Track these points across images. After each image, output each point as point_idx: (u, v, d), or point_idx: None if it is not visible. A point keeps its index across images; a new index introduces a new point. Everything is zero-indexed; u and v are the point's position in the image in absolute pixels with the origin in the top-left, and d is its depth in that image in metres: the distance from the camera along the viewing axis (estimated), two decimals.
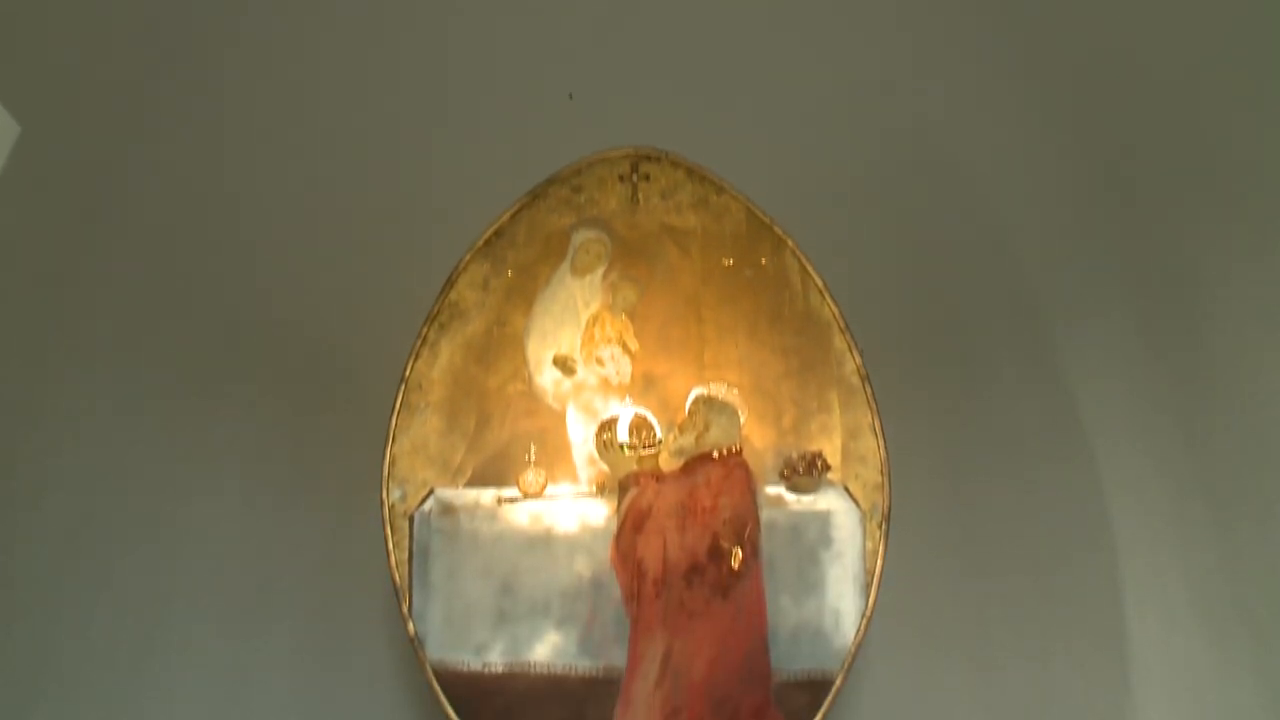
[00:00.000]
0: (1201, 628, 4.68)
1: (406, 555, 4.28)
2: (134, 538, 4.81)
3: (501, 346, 4.47)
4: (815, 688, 4.21)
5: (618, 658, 4.21)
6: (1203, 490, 4.42)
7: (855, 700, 5.53)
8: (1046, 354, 5.00)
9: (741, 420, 4.37)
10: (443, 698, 4.16)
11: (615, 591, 4.25)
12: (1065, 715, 5.19)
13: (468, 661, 4.20)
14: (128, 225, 4.63)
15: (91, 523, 4.63)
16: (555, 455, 4.39)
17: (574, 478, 4.36)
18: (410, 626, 4.20)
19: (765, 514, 4.31)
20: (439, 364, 4.42)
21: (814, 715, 4.19)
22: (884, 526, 4.33)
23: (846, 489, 4.35)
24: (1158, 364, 4.53)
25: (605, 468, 4.35)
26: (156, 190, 4.69)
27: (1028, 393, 5.12)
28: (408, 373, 4.40)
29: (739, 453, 4.35)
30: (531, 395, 4.45)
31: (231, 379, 5.22)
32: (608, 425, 4.38)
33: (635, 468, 4.33)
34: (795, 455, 4.36)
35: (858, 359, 4.44)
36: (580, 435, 4.40)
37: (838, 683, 4.22)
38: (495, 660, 4.20)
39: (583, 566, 4.26)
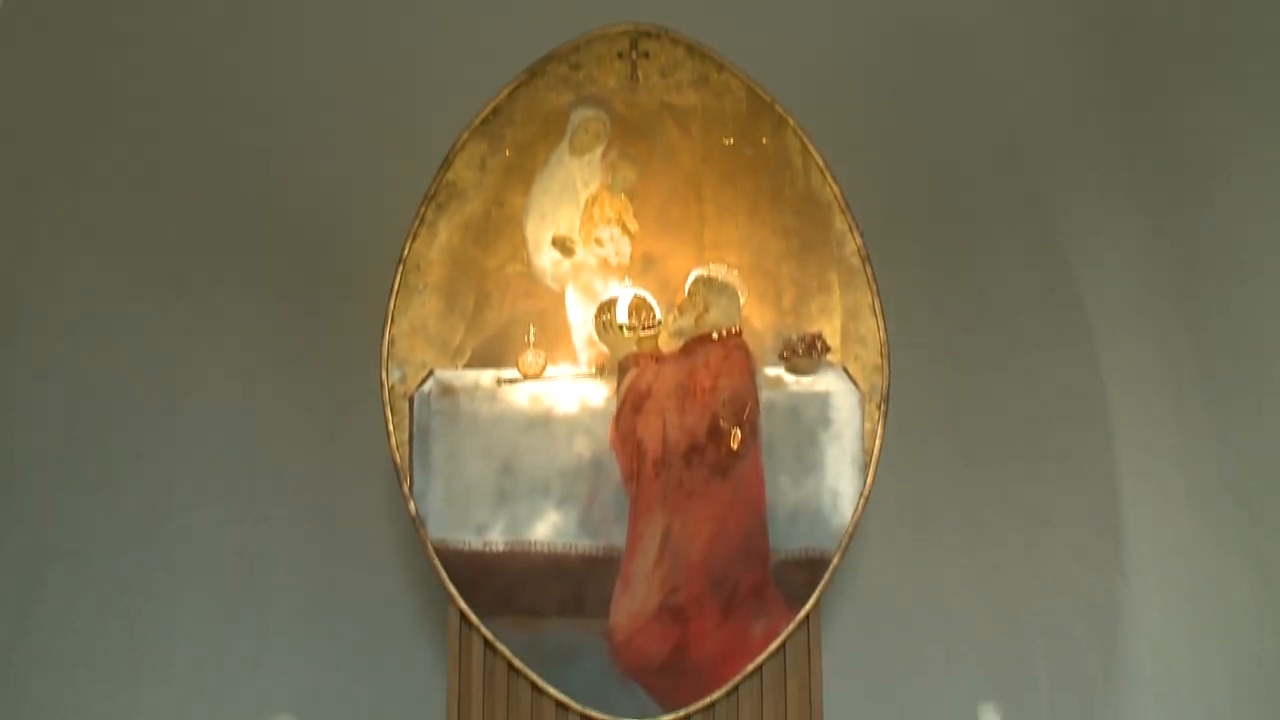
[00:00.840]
0: (1197, 511, 4.72)
1: (407, 436, 4.29)
2: (133, 426, 4.82)
3: (500, 227, 4.42)
4: (813, 566, 4.27)
5: (617, 537, 4.26)
6: (1202, 373, 4.42)
7: (852, 579, 5.62)
8: (1048, 235, 4.95)
9: (741, 301, 4.35)
10: (444, 576, 4.21)
11: (615, 472, 4.28)
12: (1058, 598, 5.27)
13: (469, 541, 4.25)
14: (125, 103, 4.55)
15: (90, 411, 4.64)
16: (554, 337, 4.37)
17: (573, 359, 4.36)
18: (411, 506, 4.24)
19: (764, 395, 4.31)
20: (437, 244, 4.38)
21: (811, 593, 4.25)
22: (883, 407, 4.34)
23: (846, 370, 4.35)
24: (1159, 245, 4.49)
25: (604, 349, 4.34)
26: (154, 67, 4.60)
27: (1028, 274, 5.09)
28: (405, 253, 4.36)
29: (738, 334, 4.34)
30: (530, 276, 4.42)
31: (227, 263, 5.18)
32: (607, 306, 4.36)
33: (634, 349, 4.32)
34: (795, 336, 4.35)
35: (858, 240, 4.40)
36: (579, 316, 4.38)
37: (835, 561, 4.27)
38: (496, 539, 4.25)
39: (582, 447, 4.28)
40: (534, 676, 4.16)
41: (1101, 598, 5.10)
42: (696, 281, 4.37)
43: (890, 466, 4.51)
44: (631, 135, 4.48)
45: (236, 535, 5.31)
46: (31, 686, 4.59)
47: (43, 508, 4.58)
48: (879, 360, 4.36)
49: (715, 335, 4.33)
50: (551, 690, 4.15)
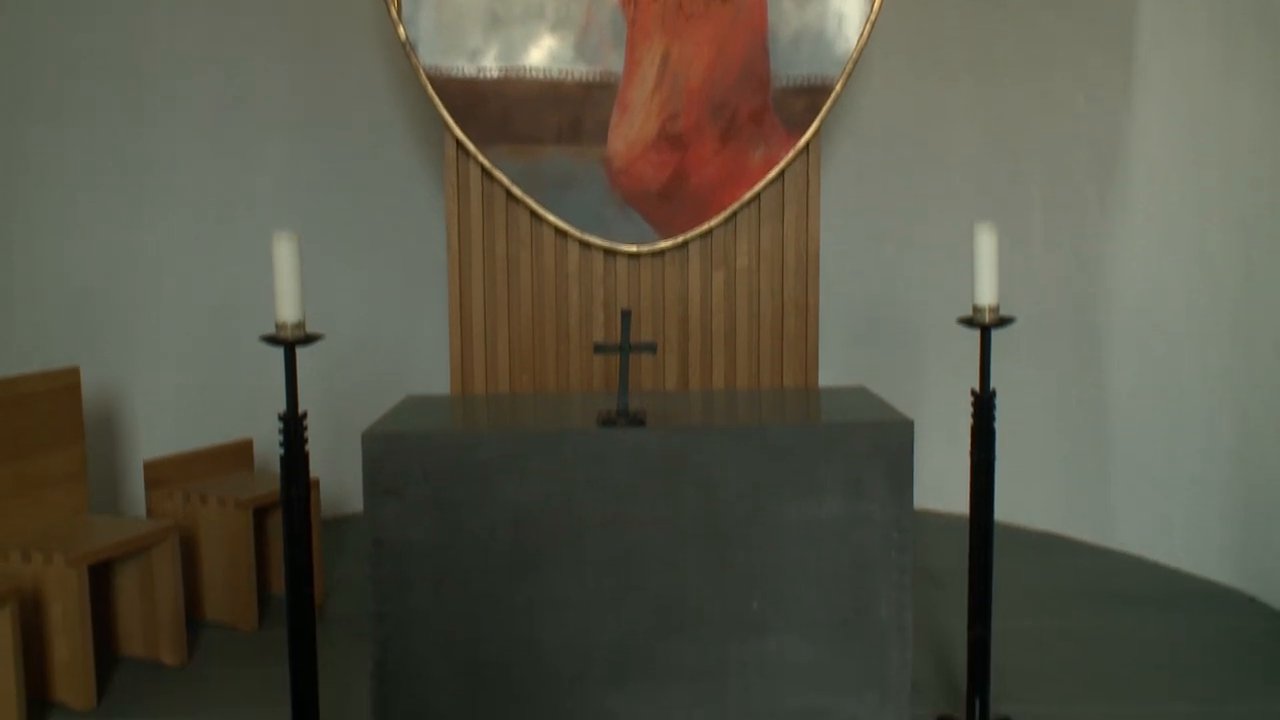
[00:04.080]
0: (1217, 39, 4.57)
1: None
2: None
3: None
4: (814, 93, 4.17)
5: (614, 62, 4.13)
6: None
7: (853, 108, 5.54)
8: None
9: None
10: (438, 103, 4.12)
11: None
12: (1061, 127, 5.23)
13: (462, 68, 4.12)
14: None
15: None
16: None
17: None
18: (401, 31, 4.07)
19: None
20: None
21: (812, 120, 4.18)
22: None
23: None
24: None
25: None
26: None
27: None
28: None
29: None
30: None
31: None
32: None
33: None
34: None
35: None
36: None
37: (837, 89, 4.17)
38: (490, 66, 4.12)
39: None
40: (532, 203, 4.19)
41: (1104, 128, 5.06)
42: None
43: None
44: None
45: (221, 70, 5.18)
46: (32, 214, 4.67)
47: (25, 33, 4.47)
48: None
49: None
50: (550, 217, 4.20)
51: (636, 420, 2.91)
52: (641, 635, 2.84)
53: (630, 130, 4.17)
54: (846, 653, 2.87)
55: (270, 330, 2.86)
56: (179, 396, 5.15)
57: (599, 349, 3.15)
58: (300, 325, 2.86)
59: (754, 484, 2.83)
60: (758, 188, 4.22)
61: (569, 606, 2.83)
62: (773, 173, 4.22)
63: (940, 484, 5.35)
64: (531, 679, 2.84)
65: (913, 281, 5.66)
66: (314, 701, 2.93)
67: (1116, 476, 5.14)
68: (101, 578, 3.96)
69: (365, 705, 2.88)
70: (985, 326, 3.11)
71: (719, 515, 2.83)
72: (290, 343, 2.85)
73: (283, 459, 2.87)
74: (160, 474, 4.33)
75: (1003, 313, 3.10)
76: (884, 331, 5.74)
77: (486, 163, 4.16)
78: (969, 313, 3.12)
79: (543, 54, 4.12)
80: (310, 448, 2.93)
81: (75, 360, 4.28)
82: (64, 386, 4.01)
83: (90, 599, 3.61)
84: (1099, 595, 4.60)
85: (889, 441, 2.86)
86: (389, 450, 2.84)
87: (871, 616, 2.86)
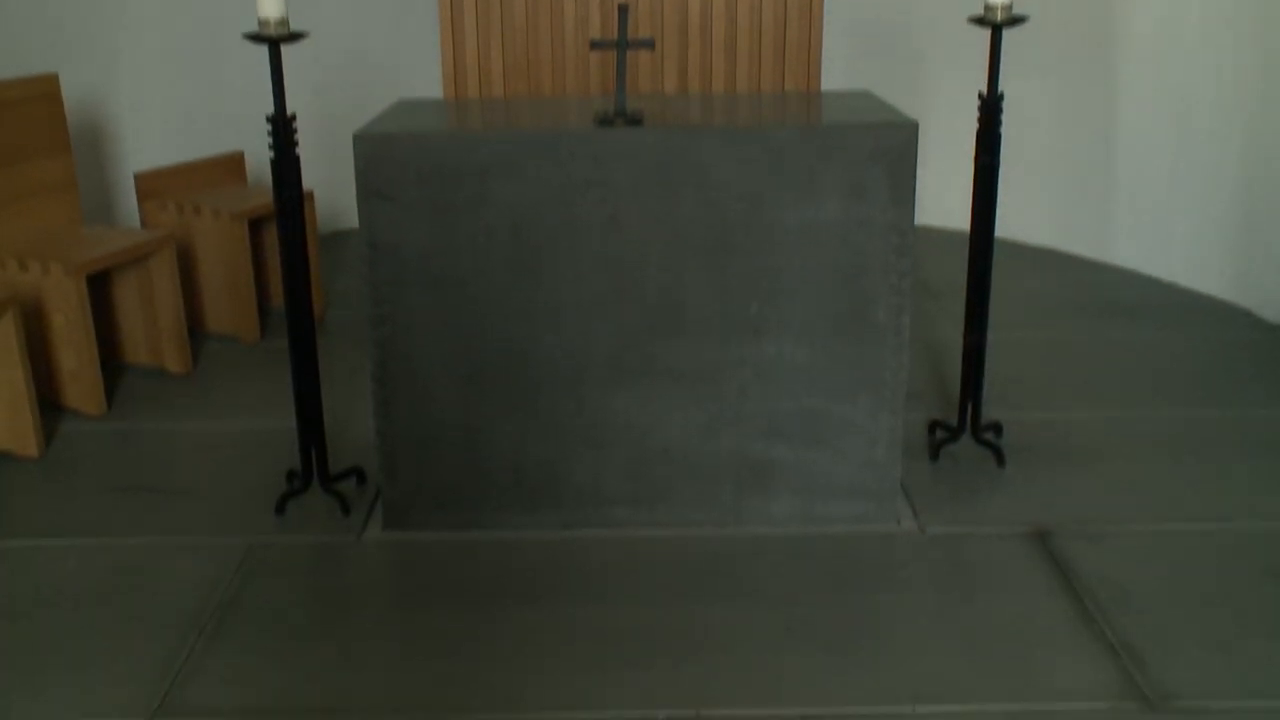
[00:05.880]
0: None
1: None
2: None
3: None
4: None
5: None
6: None
7: None
8: None
9: None
10: None
11: None
12: None
13: None
14: None
15: None
16: None
17: None
18: None
19: None
20: None
21: None
22: None
23: None
24: None
25: None
26: None
27: None
28: None
29: None
30: None
31: None
32: None
33: None
34: None
35: None
36: None
37: None
38: None
39: None
40: None
41: None
42: None
43: None
44: None
45: None
46: None
47: None
48: None
49: None
50: None
51: (634, 120, 2.82)
52: (640, 337, 2.86)
53: None
54: (843, 356, 2.89)
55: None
56: (165, 111, 5.02)
57: (595, 45, 3.03)
58: (284, 22, 2.74)
59: (753, 186, 2.77)
60: None
61: (566, 309, 2.83)
62: None
63: (942, 200, 5.30)
64: (531, 380, 2.87)
65: None
66: (317, 404, 2.99)
67: (1120, 193, 5.08)
68: (101, 288, 3.97)
69: (367, 409, 2.92)
70: (996, 25, 2.98)
71: (718, 218, 2.78)
72: (274, 40, 2.74)
73: (273, 161, 2.81)
74: (152, 186, 4.28)
75: (1015, 12, 2.97)
76: (891, 41, 5.54)
77: None
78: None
79: None
80: (303, 160, 2.87)
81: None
82: (43, 94, 3.90)
83: (92, 309, 3.63)
84: (1095, 308, 4.63)
85: (892, 143, 2.78)
86: (381, 152, 2.76)
87: (868, 320, 2.86)
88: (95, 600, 2.67)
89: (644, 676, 2.37)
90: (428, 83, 4.93)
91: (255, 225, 4.34)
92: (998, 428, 3.34)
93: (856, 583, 2.74)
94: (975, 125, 3.07)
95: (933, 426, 3.41)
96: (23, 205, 3.81)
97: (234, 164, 4.58)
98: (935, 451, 3.34)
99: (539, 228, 2.79)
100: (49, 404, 3.65)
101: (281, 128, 2.79)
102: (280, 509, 3.04)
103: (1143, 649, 2.43)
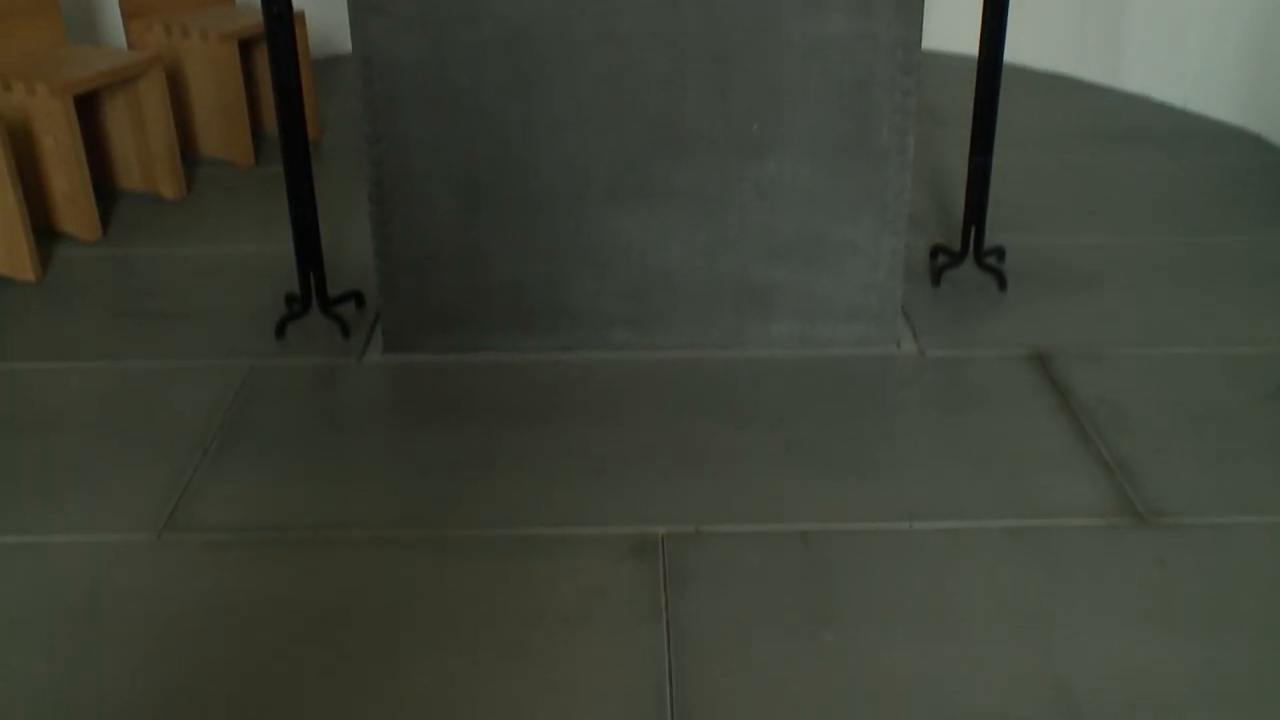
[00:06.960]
0: None
1: None
2: None
3: None
4: None
5: None
6: None
7: None
8: None
9: None
10: None
11: None
12: None
13: None
14: None
15: None
16: None
17: None
18: None
19: None
20: None
21: None
22: None
23: None
24: None
25: None
26: None
27: None
28: None
29: None
30: None
31: None
32: None
33: None
34: None
35: None
36: None
37: None
38: None
39: None
40: None
41: None
42: None
43: None
44: None
45: None
46: None
47: None
48: None
49: None
50: None
51: None
52: (640, 156, 2.80)
53: None
54: (846, 176, 2.84)
55: None
56: None
57: None
58: None
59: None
60: None
61: (566, 126, 2.76)
62: None
63: (952, 25, 5.14)
64: (530, 200, 2.83)
65: None
66: (314, 227, 2.95)
67: (1132, 17, 4.93)
68: (91, 111, 3.88)
69: (365, 230, 2.89)
70: None
71: (719, 32, 2.69)
72: None
73: None
74: (138, 5, 4.15)
75: None
76: None
77: None
78: None
79: None
80: None
81: None
82: None
83: (82, 133, 3.56)
84: (1103, 133, 4.54)
85: None
86: None
87: (872, 139, 2.80)
88: (99, 421, 2.69)
89: (643, 494, 2.40)
90: None
91: (246, 48, 4.22)
92: (1000, 252, 3.32)
93: (856, 404, 2.75)
94: None
95: (935, 251, 3.39)
96: (2, 24, 3.70)
97: None
98: (937, 276, 3.32)
99: (535, 42, 2.70)
100: (44, 230, 3.62)
101: None
102: (280, 332, 3.04)
103: (1138, 467, 2.46)
